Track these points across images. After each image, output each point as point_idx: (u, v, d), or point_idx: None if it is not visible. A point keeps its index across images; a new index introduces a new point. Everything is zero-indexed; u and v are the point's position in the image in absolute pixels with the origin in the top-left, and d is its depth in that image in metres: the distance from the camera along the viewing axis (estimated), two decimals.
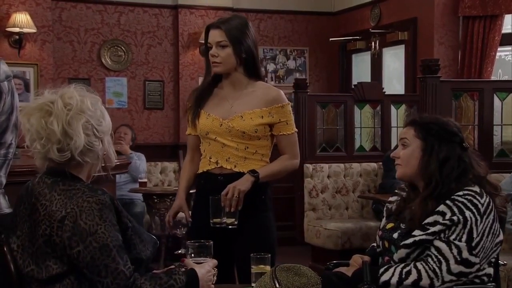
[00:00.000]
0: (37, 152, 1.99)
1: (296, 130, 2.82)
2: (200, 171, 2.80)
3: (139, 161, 6.37)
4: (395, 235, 2.34)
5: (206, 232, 2.66)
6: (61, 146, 1.96)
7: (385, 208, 2.55)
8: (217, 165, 2.74)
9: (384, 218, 2.51)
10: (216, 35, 2.70)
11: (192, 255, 2.23)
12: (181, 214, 2.86)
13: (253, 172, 2.67)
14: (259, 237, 2.73)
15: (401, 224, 2.37)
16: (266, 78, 7.56)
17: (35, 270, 1.95)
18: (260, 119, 2.72)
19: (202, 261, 2.16)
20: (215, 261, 2.17)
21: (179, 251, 2.73)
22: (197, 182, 2.82)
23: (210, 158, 2.75)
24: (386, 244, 2.38)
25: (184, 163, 2.91)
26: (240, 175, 2.69)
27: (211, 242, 2.28)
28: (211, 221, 2.62)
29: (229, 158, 2.72)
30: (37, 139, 1.97)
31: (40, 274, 1.94)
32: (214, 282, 2.12)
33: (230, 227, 2.61)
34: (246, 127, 2.70)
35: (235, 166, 2.72)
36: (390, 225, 2.43)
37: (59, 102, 1.98)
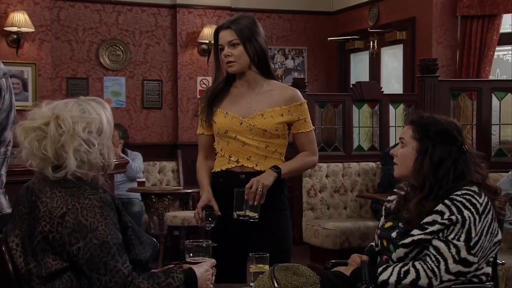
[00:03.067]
0: (33, 168, 2.04)
1: (313, 127, 2.86)
2: (217, 169, 2.81)
3: (134, 160, 6.36)
4: (394, 234, 2.34)
5: (226, 228, 2.71)
6: (55, 166, 1.99)
7: (383, 207, 2.55)
8: (238, 163, 2.75)
9: (383, 217, 2.51)
10: (226, 35, 2.73)
11: (191, 254, 2.23)
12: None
13: (275, 168, 2.70)
14: (278, 235, 2.77)
15: (399, 223, 2.37)
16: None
17: (37, 267, 1.95)
18: (280, 117, 2.74)
19: (200, 261, 2.16)
20: (213, 261, 2.17)
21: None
22: (214, 181, 2.82)
23: (230, 156, 2.76)
24: (385, 243, 2.38)
25: (199, 161, 2.90)
26: (261, 173, 2.71)
27: (210, 242, 2.28)
28: (234, 213, 2.65)
29: (250, 156, 2.74)
30: (33, 158, 2.01)
31: (40, 270, 1.95)
32: (212, 282, 2.12)
33: (251, 220, 2.64)
34: (268, 125, 2.72)
35: (256, 165, 2.74)
36: (388, 224, 2.43)
37: (52, 125, 1.99)
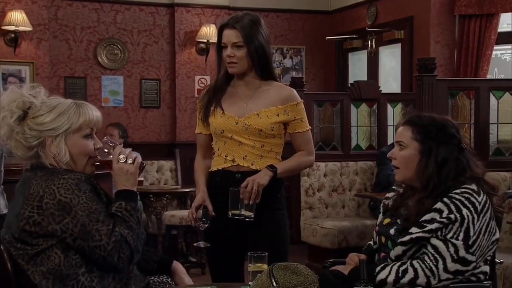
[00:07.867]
0: None
1: (310, 127, 2.86)
2: (214, 169, 2.81)
3: None
4: (392, 231, 2.34)
5: (223, 228, 2.71)
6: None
7: (381, 204, 2.55)
8: (234, 163, 2.75)
9: (381, 213, 2.51)
10: (232, 36, 2.71)
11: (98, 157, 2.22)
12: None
13: (271, 167, 2.70)
14: (275, 234, 2.77)
15: (397, 220, 2.37)
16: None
17: (24, 249, 2.00)
18: (276, 117, 2.74)
19: (111, 157, 2.20)
20: (117, 149, 2.22)
21: (199, 243, 2.75)
22: (211, 180, 2.82)
23: (226, 156, 2.76)
24: (383, 240, 2.39)
25: (197, 161, 2.91)
26: (257, 172, 2.70)
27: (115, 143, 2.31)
28: (230, 212, 2.65)
29: (245, 156, 2.74)
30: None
31: (27, 252, 2.00)
32: (131, 157, 2.23)
33: (247, 219, 2.63)
34: (263, 125, 2.72)
35: (252, 164, 2.74)
36: (387, 220, 2.43)
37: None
